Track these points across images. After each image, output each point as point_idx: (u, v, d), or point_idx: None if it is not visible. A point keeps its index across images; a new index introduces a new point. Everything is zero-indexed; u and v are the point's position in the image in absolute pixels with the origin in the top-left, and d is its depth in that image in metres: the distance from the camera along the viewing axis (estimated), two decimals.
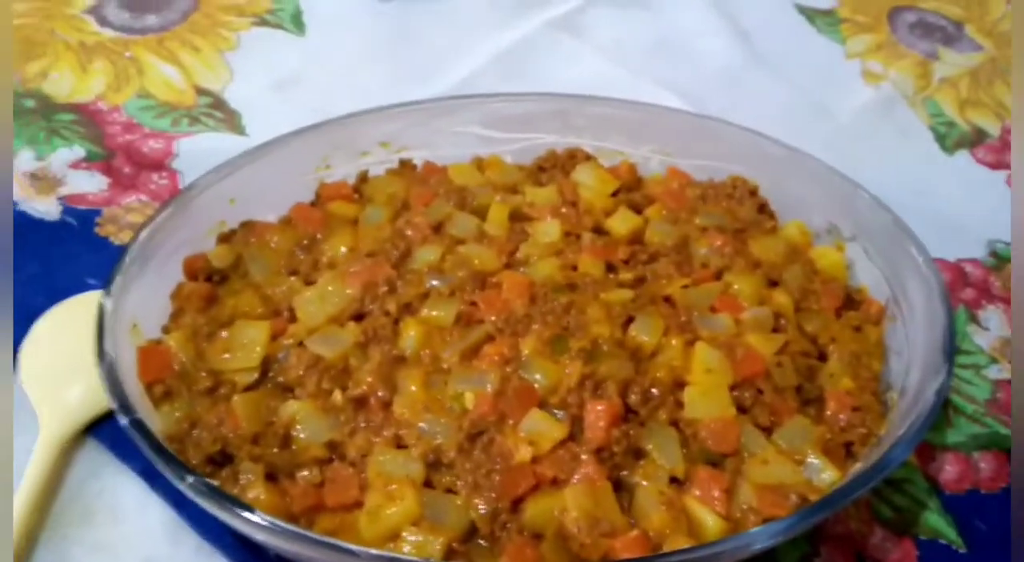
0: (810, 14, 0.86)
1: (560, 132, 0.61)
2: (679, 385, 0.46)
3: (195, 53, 0.76)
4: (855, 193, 0.55)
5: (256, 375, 0.45)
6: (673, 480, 0.43)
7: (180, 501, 0.46)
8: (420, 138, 0.59)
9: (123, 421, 0.39)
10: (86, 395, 0.49)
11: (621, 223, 0.55)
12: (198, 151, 0.65)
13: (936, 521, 0.49)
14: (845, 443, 0.46)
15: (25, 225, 0.59)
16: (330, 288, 0.49)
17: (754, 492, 0.42)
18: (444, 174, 0.59)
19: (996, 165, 0.73)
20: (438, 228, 0.54)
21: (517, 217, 0.56)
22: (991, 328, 0.60)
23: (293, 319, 0.48)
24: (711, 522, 0.41)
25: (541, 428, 0.43)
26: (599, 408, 0.43)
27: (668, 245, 0.54)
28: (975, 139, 0.75)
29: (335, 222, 0.55)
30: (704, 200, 0.59)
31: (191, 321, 0.47)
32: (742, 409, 0.46)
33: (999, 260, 0.64)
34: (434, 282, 0.50)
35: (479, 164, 0.61)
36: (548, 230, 0.54)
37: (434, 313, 0.48)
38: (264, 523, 0.36)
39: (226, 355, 0.45)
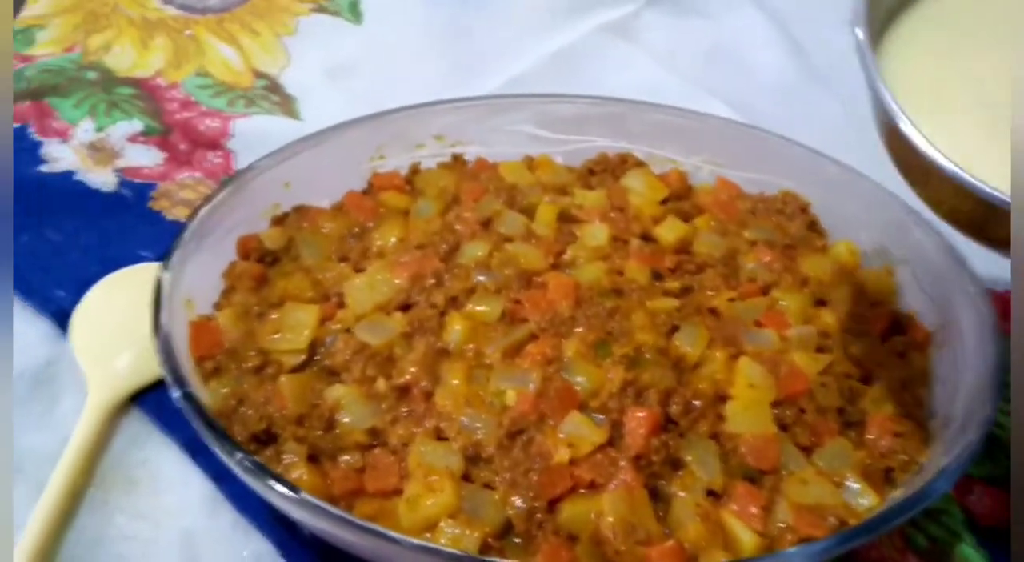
0: None
1: (612, 136, 0.61)
2: (721, 398, 0.46)
3: (254, 36, 0.76)
4: (909, 216, 0.55)
5: (303, 357, 0.46)
6: (710, 493, 0.43)
7: (220, 475, 0.47)
8: (474, 134, 0.60)
9: (175, 394, 0.39)
10: (134, 364, 0.50)
11: (669, 231, 0.55)
12: (253, 132, 0.66)
13: (971, 554, 0.48)
14: (885, 469, 0.46)
15: (82, 194, 0.60)
16: (379, 277, 0.50)
17: (792, 511, 0.42)
18: (495, 171, 0.60)
19: None
20: (487, 224, 0.55)
21: (565, 219, 0.56)
22: None
23: (341, 305, 0.49)
24: (747, 538, 0.41)
25: (581, 431, 0.43)
26: (640, 415, 0.43)
27: (716, 256, 0.54)
28: None
29: (386, 212, 0.56)
30: (754, 214, 0.58)
31: (242, 300, 0.48)
32: (783, 427, 0.46)
33: None
34: (481, 278, 0.51)
35: (530, 163, 0.61)
36: (596, 233, 0.54)
37: (479, 309, 0.49)
38: (310, 504, 0.36)
39: (275, 335, 0.46)
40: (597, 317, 0.48)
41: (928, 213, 0.54)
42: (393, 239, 0.53)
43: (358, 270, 0.51)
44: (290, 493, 0.37)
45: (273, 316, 0.47)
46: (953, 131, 0.38)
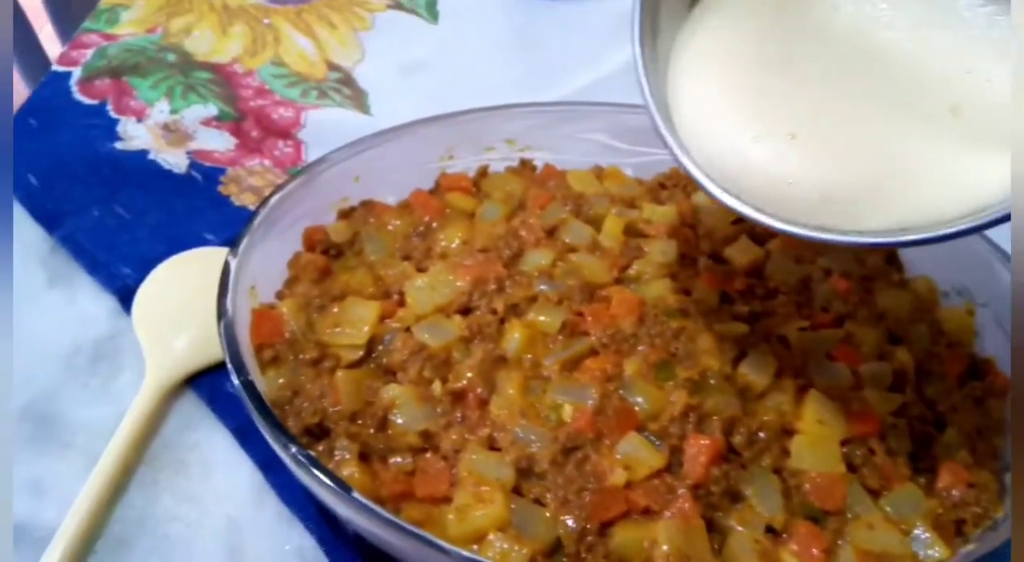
0: None
1: None
2: (786, 432, 0.44)
3: (330, 28, 0.77)
4: (994, 255, 0.52)
5: (361, 353, 0.45)
6: (769, 530, 0.41)
7: (268, 465, 0.47)
8: (545, 140, 0.59)
9: (235, 380, 0.39)
10: (192, 346, 0.51)
11: (741, 253, 0.53)
12: (324, 124, 0.67)
13: None
14: (956, 520, 0.43)
15: (155, 174, 0.61)
16: (441, 278, 0.49)
17: (856, 557, 0.40)
18: (562, 179, 0.59)
19: None
20: (552, 232, 0.54)
21: (632, 232, 0.55)
22: None
23: (402, 303, 0.48)
24: None
25: (639, 454, 0.42)
26: (703, 443, 0.42)
27: (789, 283, 0.52)
28: None
29: (452, 213, 0.55)
30: None
31: (304, 291, 0.48)
32: (851, 467, 0.43)
33: None
34: (543, 287, 0.50)
35: (599, 173, 0.60)
36: (664, 250, 0.53)
37: (540, 318, 0.48)
38: (362, 504, 0.36)
39: (335, 329, 0.46)
40: (661, 337, 0.47)
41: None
42: (457, 241, 0.53)
43: (420, 269, 0.51)
44: (343, 492, 0.36)
45: (334, 309, 0.47)
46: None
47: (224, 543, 0.44)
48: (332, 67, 0.73)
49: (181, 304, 0.52)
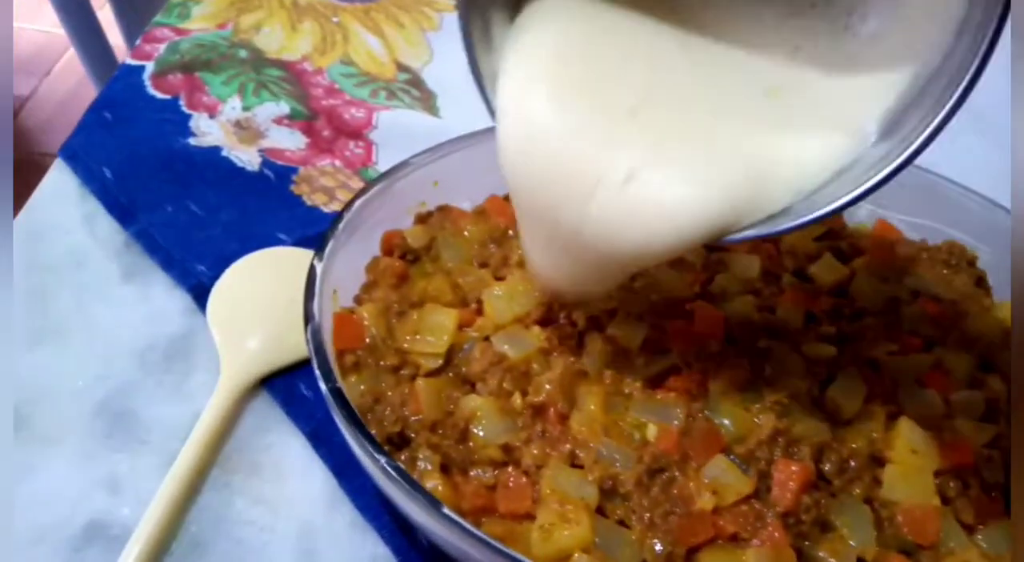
0: None
1: None
2: (877, 460, 0.43)
3: (399, 28, 0.76)
4: None
5: (441, 362, 0.45)
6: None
7: (342, 471, 0.46)
8: None
9: (323, 387, 0.38)
10: (265, 347, 0.50)
11: (826, 272, 0.52)
12: (394, 126, 0.66)
13: None
14: None
15: (229, 171, 0.61)
16: (520, 288, 0.48)
17: None
18: None
19: None
20: None
21: (713, 246, 0.53)
22: None
23: (480, 312, 0.48)
24: None
25: (727, 478, 0.40)
26: (793, 469, 0.40)
27: (876, 304, 0.50)
28: None
29: None
30: (915, 262, 0.54)
31: (383, 296, 0.47)
32: (944, 500, 0.42)
33: None
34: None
35: None
36: (748, 265, 0.51)
37: (621, 333, 0.47)
38: (450, 519, 0.35)
39: (416, 336, 0.45)
40: (747, 356, 0.46)
41: None
42: None
43: (498, 278, 0.50)
44: (432, 507, 0.35)
45: (413, 316, 0.46)
46: None
47: (298, 549, 0.44)
48: (401, 68, 0.72)
49: (256, 303, 0.52)
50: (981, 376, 0.48)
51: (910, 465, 0.42)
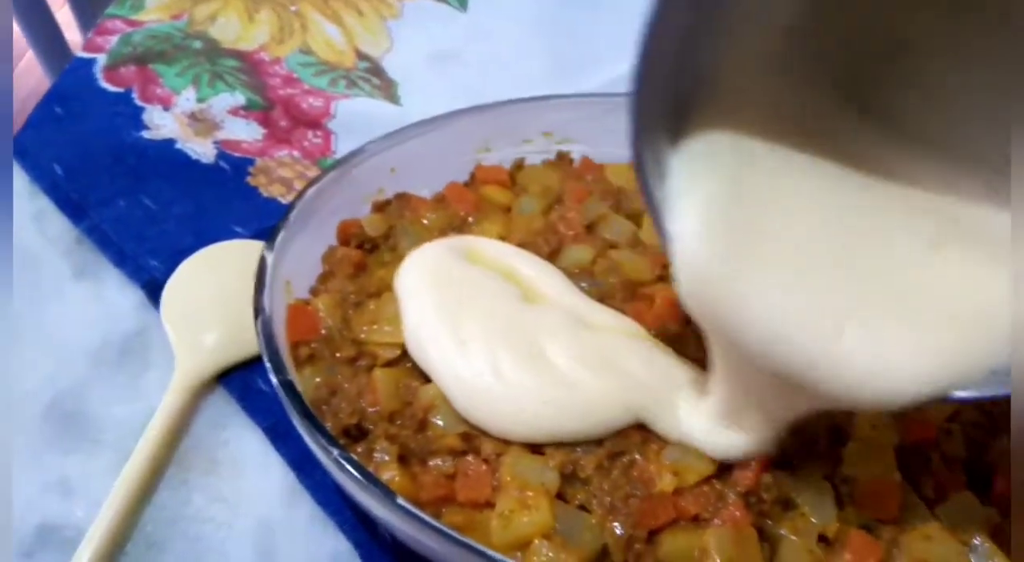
0: None
1: None
2: (838, 438, 0.43)
3: (358, 16, 0.75)
4: None
5: (399, 352, 0.44)
6: (821, 539, 0.40)
7: (301, 465, 0.45)
8: (584, 132, 0.57)
9: (274, 380, 0.38)
10: (222, 342, 0.49)
11: None
12: (353, 114, 0.65)
13: None
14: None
15: (183, 164, 0.59)
16: None
17: None
18: (600, 172, 0.57)
19: None
20: (591, 228, 0.52)
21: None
22: None
23: None
24: None
25: (688, 460, 0.40)
26: None
27: None
28: None
29: (487, 207, 0.53)
30: None
31: (340, 286, 0.46)
32: (905, 476, 0.42)
33: None
34: (583, 284, 0.48)
35: None
36: None
37: None
38: (408, 511, 0.34)
39: (373, 326, 0.44)
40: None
41: None
42: (493, 236, 0.51)
43: None
44: (387, 498, 0.35)
45: (370, 306, 0.46)
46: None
47: (257, 545, 0.43)
48: (361, 56, 0.71)
49: (211, 298, 0.51)
50: None
51: (871, 441, 0.42)
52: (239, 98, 0.65)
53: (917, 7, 0.34)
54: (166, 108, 0.64)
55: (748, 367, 0.36)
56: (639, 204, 0.54)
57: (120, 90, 0.65)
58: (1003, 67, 0.33)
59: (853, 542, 0.39)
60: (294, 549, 0.43)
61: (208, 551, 0.42)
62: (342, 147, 0.63)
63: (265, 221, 0.56)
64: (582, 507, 0.40)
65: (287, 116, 0.64)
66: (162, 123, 0.63)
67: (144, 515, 0.43)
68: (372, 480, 0.35)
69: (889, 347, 0.33)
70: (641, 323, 0.46)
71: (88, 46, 0.69)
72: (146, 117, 0.63)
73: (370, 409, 0.42)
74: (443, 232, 0.51)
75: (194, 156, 0.60)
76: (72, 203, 0.56)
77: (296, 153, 0.62)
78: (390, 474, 0.39)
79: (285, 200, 0.58)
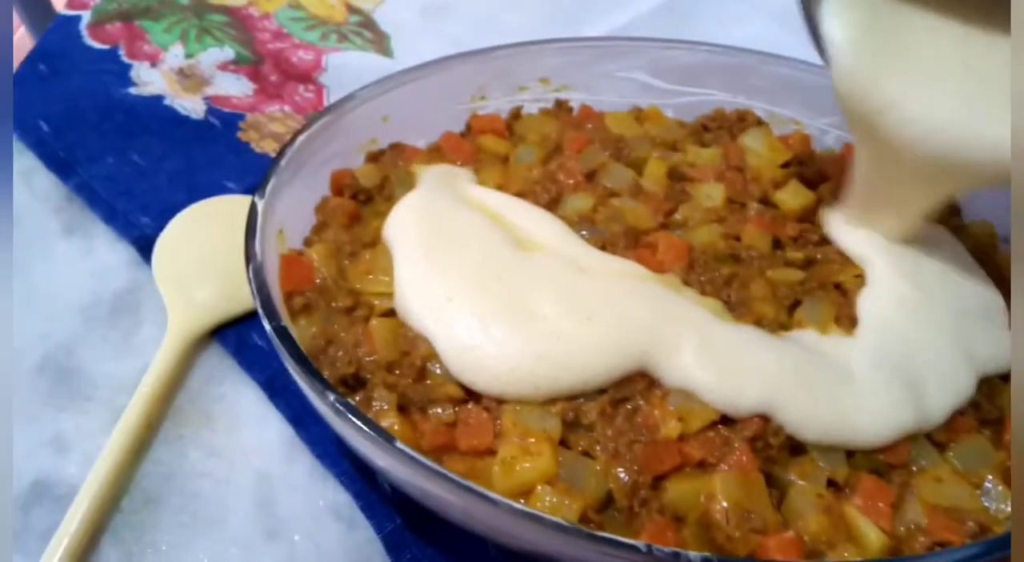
0: None
1: (731, 90, 0.56)
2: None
3: None
4: None
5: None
6: (831, 484, 0.39)
7: (299, 419, 0.45)
8: (582, 78, 0.56)
9: (267, 326, 0.37)
10: (215, 297, 0.48)
11: (792, 197, 0.50)
12: (345, 68, 0.63)
13: None
14: None
15: (172, 120, 0.58)
16: None
17: (924, 511, 0.38)
18: (600, 121, 0.55)
19: None
20: (591, 176, 0.51)
21: (676, 176, 0.52)
22: None
23: None
24: (874, 536, 0.37)
25: (692, 405, 0.39)
26: None
27: None
28: None
29: (485, 157, 0.52)
30: None
31: (334, 237, 0.45)
32: None
33: None
34: (584, 232, 0.47)
35: (638, 115, 0.56)
36: (711, 193, 0.50)
37: None
38: (407, 456, 0.33)
39: (369, 276, 0.43)
40: (712, 284, 0.44)
41: None
42: (491, 186, 0.50)
43: None
44: (385, 442, 0.34)
45: (366, 256, 0.44)
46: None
47: (255, 499, 0.42)
48: (352, 10, 0.69)
49: (203, 254, 0.50)
50: None
51: None
52: (228, 53, 0.63)
53: None
54: (153, 64, 0.62)
55: (892, 160, 0.43)
56: (640, 152, 0.52)
57: (106, 47, 0.63)
58: None
59: (864, 486, 0.38)
60: (293, 502, 0.42)
61: (205, 506, 0.42)
62: (334, 101, 0.61)
63: (257, 177, 0.53)
64: (585, 453, 0.39)
65: (277, 70, 0.62)
66: (150, 79, 0.61)
67: (140, 471, 0.43)
68: (372, 425, 0.34)
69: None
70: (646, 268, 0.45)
71: (72, 3, 0.67)
72: (133, 74, 0.61)
73: (367, 358, 0.40)
74: None
75: (183, 112, 0.59)
76: (60, 160, 0.55)
77: (287, 108, 0.60)
78: (389, 421, 0.38)
79: None
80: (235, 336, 0.47)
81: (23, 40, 0.90)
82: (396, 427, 0.38)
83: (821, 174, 0.53)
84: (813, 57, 0.65)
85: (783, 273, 0.46)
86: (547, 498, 0.36)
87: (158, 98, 0.59)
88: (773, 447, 0.39)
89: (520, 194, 0.49)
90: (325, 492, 0.43)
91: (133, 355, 0.47)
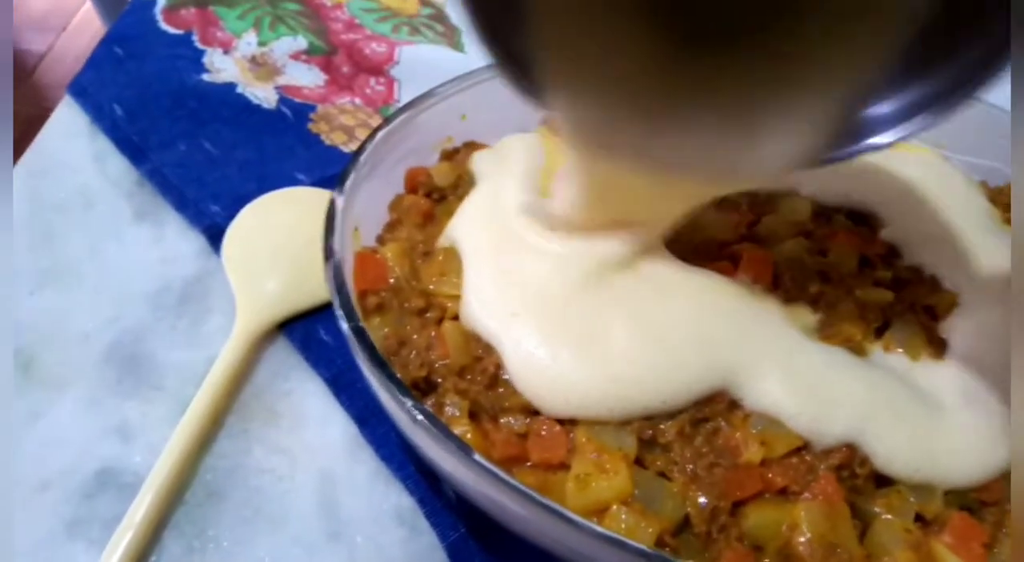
0: None
1: None
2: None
3: None
4: None
5: None
6: (918, 518, 0.37)
7: (364, 419, 0.44)
8: None
9: (345, 326, 0.36)
10: (283, 290, 0.48)
11: None
12: (417, 61, 0.63)
13: None
14: None
15: (244, 108, 0.58)
16: None
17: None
18: None
19: None
20: None
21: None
22: None
23: None
24: None
25: (777, 429, 0.37)
26: None
27: None
28: None
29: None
30: None
31: (408, 235, 0.44)
32: None
33: None
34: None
35: None
36: (797, 206, 0.48)
37: None
38: (484, 468, 0.32)
39: (443, 277, 0.42)
40: (800, 302, 0.42)
41: None
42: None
43: None
44: (463, 454, 0.33)
45: (439, 257, 0.43)
46: None
47: (318, 498, 0.42)
48: (424, 2, 0.68)
49: (273, 245, 0.49)
50: None
51: None
52: (301, 42, 0.63)
53: None
54: (226, 51, 0.62)
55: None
56: None
57: (180, 32, 0.63)
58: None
59: (954, 523, 0.36)
60: (356, 503, 0.42)
61: (268, 502, 0.41)
62: (405, 95, 0.60)
63: (327, 169, 0.54)
64: (662, 474, 0.37)
65: (349, 62, 0.62)
66: (223, 67, 0.61)
67: (203, 464, 0.42)
68: (447, 434, 0.33)
69: None
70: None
71: None
72: (206, 60, 0.61)
73: (439, 362, 0.40)
74: None
75: (255, 101, 0.58)
76: (132, 145, 0.55)
77: (358, 100, 0.59)
78: (462, 429, 0.37)
79: (347, 148, 0.56)
80: (302, 330, 0.47)
81: (94, 25, 0.90)
82: (469, 435, 0.37)
83: None
84: None
85: (872, 293, 0.44)
86: (623, 519, 0.35)
87: (231, 86, 0.59)
88: (859, 476, 0.37)
89: None
90: (389, 495, 0.42)
91: (201, 345, 0.47)
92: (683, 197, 0.40)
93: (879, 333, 0.42)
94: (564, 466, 0.37)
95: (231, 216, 0.51)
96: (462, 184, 0.48)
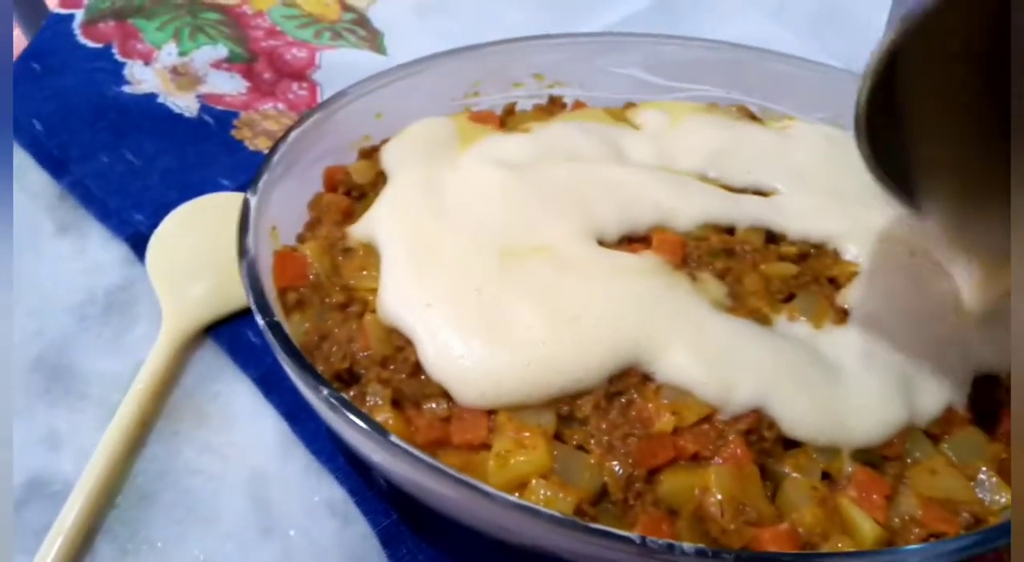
0: None
1: (726, 86, 0.56)
2: None
3: None
4: None
5: None
6: (824, 476, 0.39)
7: (294, 415, 0.45)
8: (576, 74, 0.56)
9: (261, 322, 0.37)
10: (209, 295, 0.48)
11: None
12: (339, 65, 0.63)
13: None
14: None
15: (165, 118, 0.58)
16: None
17: (919, 503, 0.38)
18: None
19: None
20: None
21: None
22: None
23: None
24: (868, 528, 0.37)
25: (687, 398, 0.39)
26: None
27: None
28: None
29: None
30: None
31: (327, 233, 0.45)
32: None
33: None
34: None
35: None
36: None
37: None
38: (403, 449, 0.33)
39: (363, 273, 0.43)
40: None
41: None
42: None
43: None
44: (380, 437, 0.34)
45: (360, 252, 0.44)
46: None
47: (250, 496, 0.42)
48: (345, 7, 0.69)
49: (197, 251, 0.50)
50: None
51: None
52: (221, 51, 0.63)
53: None
54: (147, 63, 0.62)
55: None
56: None
57: (99, 46, 0.63)
58: None
59: (858, 478, 0.38)
60: (288, 499, 0.42)
61: (200, 502, 0.42)
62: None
63: (251, 174, 0.53)
64: (580, 447, 0.39)
65: (271, 68, 0.62)
66: (143, 78, 0.61)
67: (134, 468, 0.43)
68: (366, 420, 0.34)
69: None
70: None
71: (64, 1, 0.67)
72: (126, 72, 0.61)
73: (361, 354, 0.40)
74: None
75: (177, 110, 0.59)
76: (53, 159, 0.55)
77: (281, 105, 0.60)
78: (384, 416, 0.38)
79: None
80: (229, 333, 0.47)
81: (17, 39, 0.89)
82: (391, 421, 0.38)
83: None
84: (807, 53, 0.65)
85: (777, 267, 0.46)
86: (542, 491, 0.36)
87: (151, 96, 0.59)
88: (767, 440, 0.39)
89: None
90: (320, 488, 0.43)
91: (127, 353, 0.47)
92: None
93: (785, 304, 0.44)
94: (487, 446, 0.38)
95: (155, 225, 0.51)
96: (381, 181, 0.49)
